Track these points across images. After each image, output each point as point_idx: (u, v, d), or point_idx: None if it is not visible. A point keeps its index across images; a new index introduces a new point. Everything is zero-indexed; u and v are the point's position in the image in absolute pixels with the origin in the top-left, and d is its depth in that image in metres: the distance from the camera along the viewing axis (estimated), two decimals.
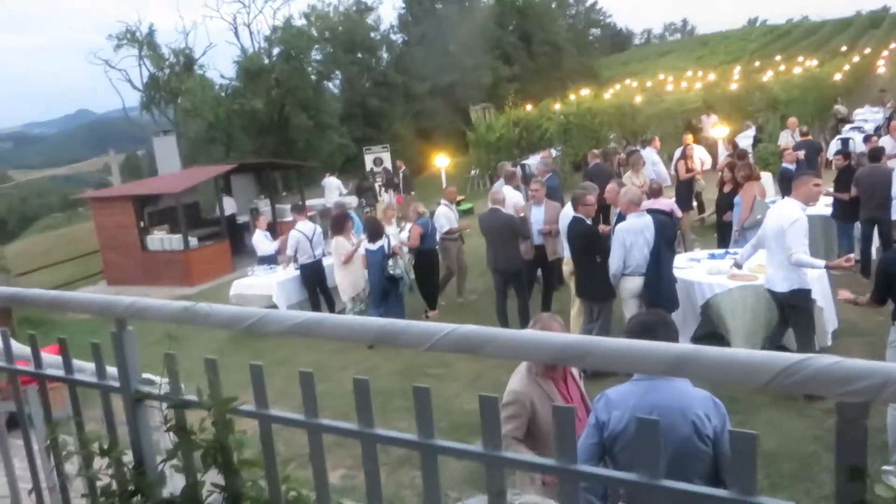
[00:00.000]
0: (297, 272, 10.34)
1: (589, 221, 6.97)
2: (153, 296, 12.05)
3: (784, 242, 5.80)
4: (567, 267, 7.49)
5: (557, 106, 24.36)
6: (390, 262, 8.69)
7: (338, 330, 1.49)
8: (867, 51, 43.50)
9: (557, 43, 50.97)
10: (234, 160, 24.66)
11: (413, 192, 17.80)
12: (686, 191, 12.35)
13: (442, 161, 15.16)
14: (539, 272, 9.08)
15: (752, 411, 5.65)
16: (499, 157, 20.50)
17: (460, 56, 37.33)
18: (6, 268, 20.90)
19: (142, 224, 15.46)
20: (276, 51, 32.66)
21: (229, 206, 16.91)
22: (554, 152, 21.03)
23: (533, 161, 17.74)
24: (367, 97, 33.89)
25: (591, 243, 6.79)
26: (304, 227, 10.35)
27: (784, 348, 6.41)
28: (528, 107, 26.92)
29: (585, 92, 27.11)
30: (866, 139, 13.24)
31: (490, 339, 1.28)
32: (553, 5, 59.99)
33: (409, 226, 10.54)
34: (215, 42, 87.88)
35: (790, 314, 6.22)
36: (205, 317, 1.65)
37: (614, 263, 6.47)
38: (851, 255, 6.21)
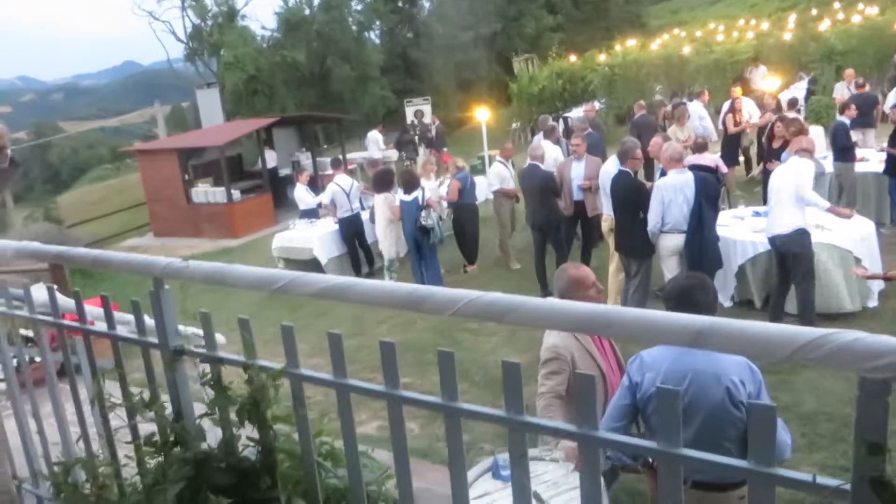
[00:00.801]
0: (337, 226, 10.46)
1: (634, 176, 6.86)
2: (198, 247, 12.37)
3: (795, 182, 6.10)
4: (606, 223, 7.41)
5: (602, 57, 23.75)
6: (423, 214, 8.73)
7: (366, 295, 1.51)
8: None
9: None
10: (275, 113, 24.76)
11: (446, 149, 17.61)
12: (733, 146, 12.02)
13: (483, 114, 14.95)
14: (578, 228, 9.01)
15: (793, 371, 5.59)
16: (541, 110, 20.18)
17: (503, 5, 36.47)
18: (59, 218, 21.60)
19: (186, 177, 15.72)
20: (316, 1, 32.37)
21: (271, 159, 17.07)
22: (598, 105, 20.62)
23: (576, 114, 17.40)
24: (407, 48, 33.46)
25: (636, 198, 6.68)
26: (342, 180, 10.42)
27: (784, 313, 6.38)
28: (573, 58, 26.30)
29: (631, 42, 26.30)
30: None
31: (514, 307, 1.29)
32: None
33: (448, 180, 10.53)
34: None
35: (791, 266, 6.17)
36: (236, 278, 1.69)
37: (652, 220, 6.40)
38: (852, 211, 6.38)
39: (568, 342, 3.37)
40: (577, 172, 8.54)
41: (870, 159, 10.06)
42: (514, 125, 22.30)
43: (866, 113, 12.20)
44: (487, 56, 34.98)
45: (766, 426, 1.14)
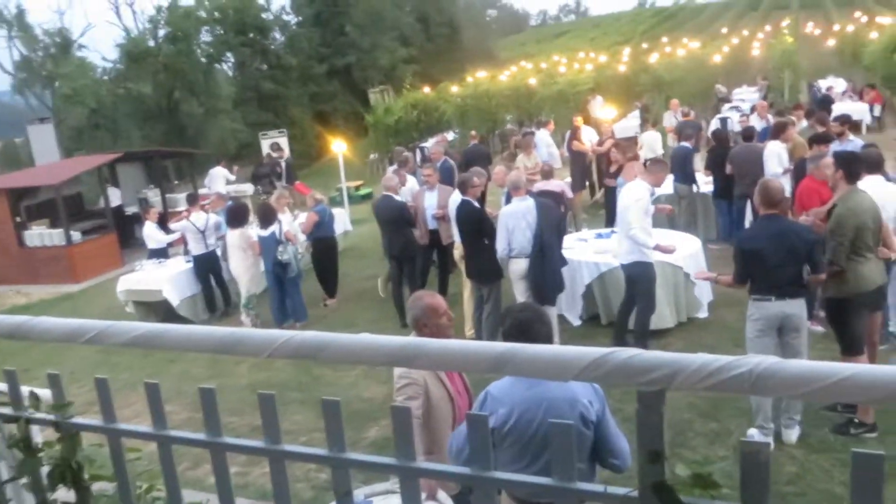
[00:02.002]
0: (190, 264, 10.04)
1: (476, 204, 7.09)
2: (34, 295, 11.40)
3: (625, 216, 6.39)
4: (458, 251, 7.61)
5: (455, 88, 24.51)
6: (280, 248, 8.59)
7: (180, 341, 1.46)
8: (745, 33, 45.93)
9: (455, 24, 51.15)
10: (120, 148, 23.49)
11: (297, 182, 17.41)
12: (580, 171, 12.72)
13: (339, 146, 14.95)
14: (435, 256, 9.17)
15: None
16: (398, 141, 20.46)
17: (356, 37, 36.85)
18: None
19: (18, 219, 14.51)
20: (161, 32, 31.19)
21: (115, 196, 16.13)
22: (452, 135, 21.22)
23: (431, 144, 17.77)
24: (261, 80, 32.92)
25: (479, 226, 6.91)
26: (196, 216, 10.04)
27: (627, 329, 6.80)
28: (427, 89, 26.96)
29: (482, 74, 27.34)
30: (741, 119, 14.03)
31: (326, 344, 1.30)
32: None
33: (304, 214, 10.41)
34: (94, 22, 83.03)
35: (632, 288, 6.64)
36: (42, 332, 1.58)
37: (500, 246, 6.66)
38: (673, 245, 6.62)
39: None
40: (431, 202, 8.71)
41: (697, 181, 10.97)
42: (371, 156, 22.44)
43: (691, 138, 13.30)
44: (343, 88, 35.12)
45: (564, 443, 1.21)
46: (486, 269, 6.96)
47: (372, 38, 37.42)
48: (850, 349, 5.14)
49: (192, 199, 11.31)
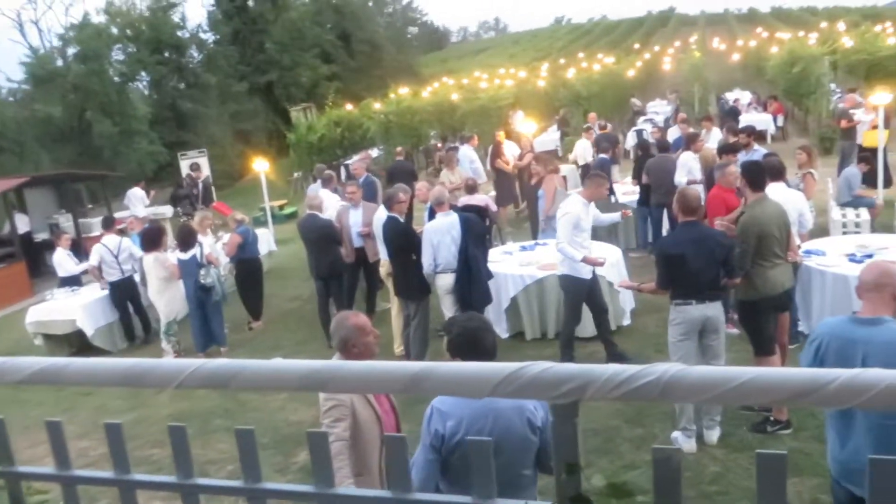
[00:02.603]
0: (106, 292, 9.64)
1: (402, 220, 7.08)
2: None
3: (558, 231, 6.50)
4: (384, 268, 7.57)
5: (378, 105, 24.50)
6: (202, 272, 8.34)
7: (82, 374, 1.39)
8: (656, 48, 47.73)
9: (376, 41, 51.15)
10: (27, 172, 22.41)
11: (214, 203, 17.04)
12: (506, 186, 12.87)
13: (261, 165, 14.68)
14: (362, 274, 9.10)
15: None
16: (321, 158, 20.26)
17: (276, 54, 36.40)
18: None
19: None
20: (71, 51, 30.01)
21: (23, 223, 15.36)
22: (376, 151, 21.18)
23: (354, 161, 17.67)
24: (178, 99, 32.03)
25: (405, 242, 6.90)
26: (110, 241, 9.65)
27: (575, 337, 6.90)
28: (349, 106, 26.85)
29: (405, 90, 27.43)
30: (652, 132, 14.57)
31: (236, 372, 1.26)
32: (370, 3, 60.16)
33: (227, 236, 10.17)
34: None
35: (564, 297, 6.79)
36: None
37: (426, 262, 6.66)
38: (603, 258, 6.64)
39: None
40: (356, 219, 8.65)
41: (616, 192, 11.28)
42: (295, 175, 22.16)
43: (608, 150, 13.68)
44: (264, 106, 34.59)
45: (482, 460, 1.21)
46: (414, 285, 6.95)
47: (292, 56, 37.06)
48: (761, 350, 5.37)
49: (108, 223, 10.87)
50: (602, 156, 10.97)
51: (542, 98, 23.87)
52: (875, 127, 12.10)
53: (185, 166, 21.30)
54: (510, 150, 13.14)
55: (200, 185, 17.57)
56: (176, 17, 33.76)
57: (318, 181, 11.12)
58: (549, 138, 20.78)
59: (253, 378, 1.24)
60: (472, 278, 6.51)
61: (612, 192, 10.86)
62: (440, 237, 6.60)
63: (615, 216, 7.34)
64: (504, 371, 1.13)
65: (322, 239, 8.34)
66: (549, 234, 9.13)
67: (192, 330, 8.73)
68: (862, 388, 0.95)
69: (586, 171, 11.70)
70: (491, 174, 14.02)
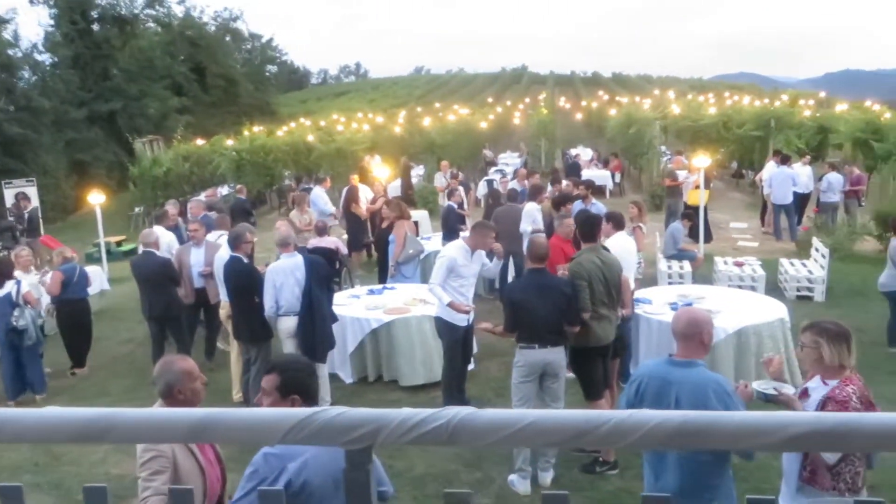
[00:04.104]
0: None
1: (246, 260, 6.84)
2: None
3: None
4: (223, 311, 7.26)
5: (230, 141, 23.84)
6: (15, 312, 7.59)
7: None
8: (508, 103, 50.18)
9: (232, 77, 50.16)
10: None
11: (42, 236, 15.78)
12: (358, 230, 12.83)
13: (97, 198, 13.75)
14: (202, 317, 8.68)
15: None
16: (167, 194, 19.34)
17: (121, 82, 34.57)
18: None
19: None
20: None
21: None
22: (226, 189, 20.53)
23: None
24: (5, 123, 29.51)
25: (249, 283, 6.66)
26: None
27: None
28: (200, 141, 25.92)
29: (260, 128, 26.94)
30: (501, 181, 15.23)
31: (1, 423, 1.13)
32: (227, 38, 58.98)
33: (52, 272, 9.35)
34: None
35: (442, 341, 6.84)
36: None
37: (268, 304, 6.45)
38: (470, 306, 6.60)
39: None
40: (198, 259, 8.27)
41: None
42: (136, 210, 20.96)
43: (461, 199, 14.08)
44: (106, 136, 32.60)
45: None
46: (256, 329, 6.70)
47: (140, 86, 35.36)
48: (589, 395, 5.65)
49: None
50: (450, 203, 11.23)
51: (398, 144, 24.24)
52: (698, 187, 13.31)
53: (9, 196, 19.53)
54: (364, 194, 13.17)
55: (27, 216, 16.14)
56: (7, 35, 31.29)
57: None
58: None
59: (17, 429, 1.12)
60: (316, 322, 6.37)
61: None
62: (283, 278, 6.43)
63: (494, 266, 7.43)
64: (296, 417, 1.09)
65: (158, 278, 7.88)
66: (398, 278, 9.19)
67: (2, 375, 7.90)
68: (631, 429, 1.01)
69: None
70: (343, 218, 13.97)
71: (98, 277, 11.75)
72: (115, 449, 6.29)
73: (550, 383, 5.42)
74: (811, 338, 3.48)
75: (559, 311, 5.33)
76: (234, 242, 6.79)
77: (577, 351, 5.61)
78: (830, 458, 3.33)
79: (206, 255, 8.12)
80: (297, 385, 3.00)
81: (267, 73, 71.10)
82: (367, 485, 1.11)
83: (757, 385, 3.60)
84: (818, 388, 3.47)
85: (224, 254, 6.97)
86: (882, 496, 4.39)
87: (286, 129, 30.47)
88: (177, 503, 1.24)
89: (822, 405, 3.36)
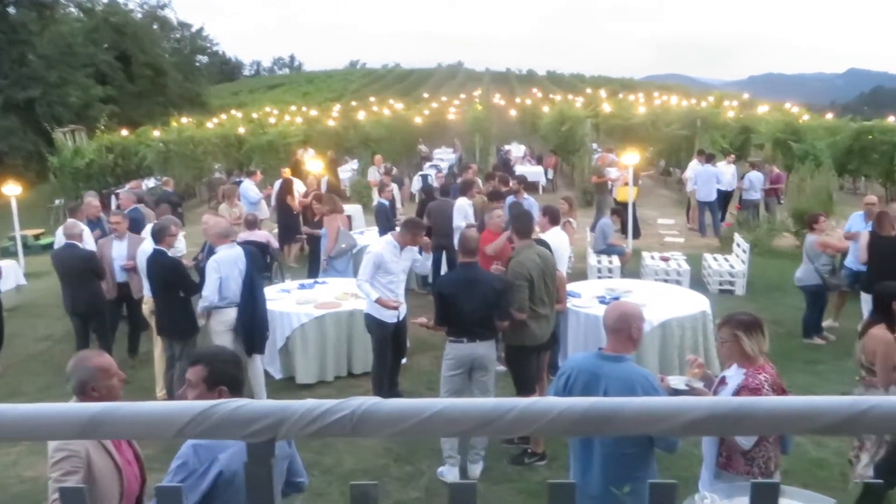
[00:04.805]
0: None
1: (171, 254, 6.63)
2: None
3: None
4: (147, 306, 7.02)
5: (157, 132, 23.09)
6: None
7: None
8: (444, 99, 50.24)
9: (160, 66, 48.55)
10: None
11: None
12: (291, 224, 12.59)
13: (13, 189, 13.10)
14: (125, 311, 8.38)
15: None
16: (89, 186, 18.61)
17: (40, 68, 33.00)
18: None
19: None
20: None
21: None
22: (153, 181, 19.92)
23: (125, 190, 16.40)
24: None
25: (174, 278, 6.46)
26: None
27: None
28: (125, 132, 25.03)
29: (189, 120, 26.19)
30: (437, 175, 15.25)
31: None
32: (155, 26, 57.11)
33: None
34: None
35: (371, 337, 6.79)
36: None
37: (210, 295, 6.28)
38: (398, 302, 6.52)
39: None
40: (120, 252, 7.98)
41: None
42: (56, 202, 20.08)
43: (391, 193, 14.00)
44: (23, 125, 31.09)
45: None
46: (181, 324, 6.51)
47: (60, 73, 33.84)
48: (521, 389, 5.70)
49: None
50: (381, 200, 11.15)
51: (332, 138, 23.97)
52: (627, 184, 13.62)
53: None
54: (297, 188, 12.96)
55: None
56: None
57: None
58: (340, 178, 20.86)
59: None
60: (257, 312, 6.36)
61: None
62: (228, 270, 6.29)
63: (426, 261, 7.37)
64: (193, 410, 1.05)
65: (81, 272, 7.56)
66: (330, 273, 9.08)
67: None
68: (537, 415, 1.00)
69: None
70: (273, 210, 13.73)
71: (13, 272, 11.22)
72: (28, 450, 6.02)
73: (480, 376, 5.45)
74: (729, 332, 3.60)
75: (488, 306, 5.35)
76: (158, 235, 6.57)
77: (513, 348, 5.64)
78: (745, 444, 3.45)
79: (129, 249, 7.85)
80: (225, 376, 2.96)
81: (197, 64, 69.26)
82: (268, 479, 1.08)
83: (670, 380, 3.71)
84: (735, 375, 3.60)
85: (147, 247, 6.74)
86: (794, 481, 4.60)
87: (217, 121, 29.73)
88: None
89: (737, 393, 3.48)
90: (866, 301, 7.40)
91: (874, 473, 4.44)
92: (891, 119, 22.62)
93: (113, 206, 14.88)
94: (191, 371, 3.00)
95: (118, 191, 18.02)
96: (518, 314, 5.46)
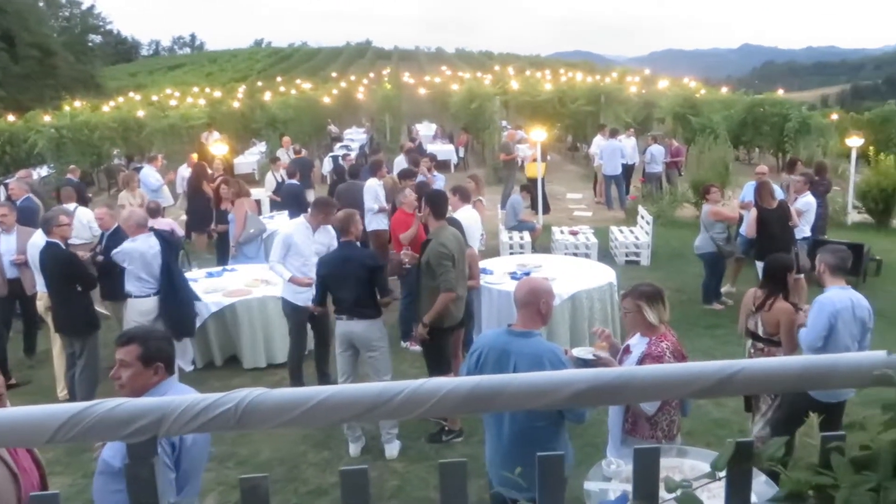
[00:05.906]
0: None
1: (64, 246, 6.29)
2: None
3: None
4: (41, 302, 6.65)
5: (48, 118, 21.78)
6: None
7: None
8: (353, 78, 49.55)
9: (48, 46, 45.79)
10: None
11: None
12: (203, 212, 12.10)
13: None
14: (18, 310, 7.92)
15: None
16: None
17: None
18: None
19: None
20: None
21: None
22: (46, 170, 18.85)
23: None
24: None
25: (69, 271, 6.14)
26: None
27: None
28: (12, 117, 23.50)
29: (81, 103, 24.82)
30: (344, 157, 15.09)
31: None
32: (41, 4, 53.71)
33: None
34: None
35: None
36: None
37: (134, 286, 6.16)
38: (311, 279, 6.33)
39: None
40: (9, 246, 7.49)
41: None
42: None
43: (305, 176, 13.74)
44: None
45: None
46: (79, 320, 6.20)
47: None
48: (437, 369, 5.73)
49: None
50: (292, 181, 10.94)
51: (238, 119, 23.24)
52: (535, 160, 13.85)
53: None
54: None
55: None
56: None
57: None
58: (248, 161, 20.31)
59: None
60: (179, 296, 6.27)
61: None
62: (151, 258, 6.13)
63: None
64: (67, 413, 0.99)
65: None
66: (240, 259, 8.85)
67: None
68: (424, 397, 1.00)
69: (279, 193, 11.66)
70: (180, 196, 13.24)
71: None
72: None
73: (368, 356, 5.49)
74: (632, 303, 3.72)
75: (361, 284, 5.40)
76: (47, 226, 6.20)
77: (432, 330, 5.62)
78: (649, 409, 3.60)
79: (19, 243, 7.38)
80: (161, 353, 2.90)
81: (90, 44, 65.73)
82: (151, 480, 1.04)
83: (576, 352, 3.77)
84: (638, 344, 3.74)
85: (38, 240, 6.36)
86: (697, 441, 4.84)
87: (114, 104, 28.32)
88: None
89: (641, 361, 3.61)
90: (761, 268, 7.83)
91: (770, 431, 4.72)
92: (780, 92, 23.88)
93: (1, 197, 13.98)
94: (123, 351, 2.88)
95: (6, 181, 16.94)
96: (447, 294, 5.47)
